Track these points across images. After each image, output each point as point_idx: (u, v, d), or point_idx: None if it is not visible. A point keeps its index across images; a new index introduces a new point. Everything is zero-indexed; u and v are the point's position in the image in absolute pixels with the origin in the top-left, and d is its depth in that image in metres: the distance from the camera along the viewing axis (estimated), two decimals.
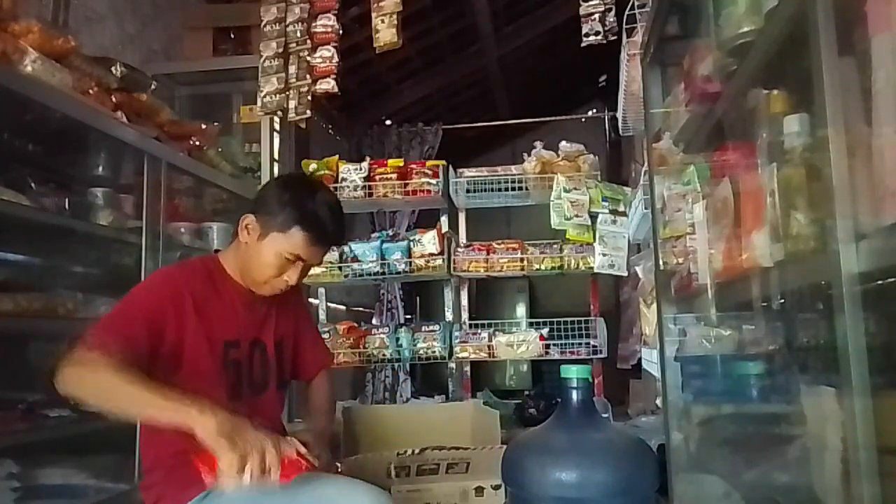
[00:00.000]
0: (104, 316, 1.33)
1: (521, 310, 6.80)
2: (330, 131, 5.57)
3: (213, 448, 1.10)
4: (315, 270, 2.92)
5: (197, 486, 1.29)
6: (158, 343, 1.33)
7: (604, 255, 2.78)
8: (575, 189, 2.82)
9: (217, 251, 1.61)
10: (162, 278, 1.44)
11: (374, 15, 2.78)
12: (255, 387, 1.50)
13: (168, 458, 1.37)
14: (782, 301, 1.10)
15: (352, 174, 2.97)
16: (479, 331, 2.96)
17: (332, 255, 2.94)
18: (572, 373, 1.15)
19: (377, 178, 2.99)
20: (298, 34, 2.87)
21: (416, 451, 1.72)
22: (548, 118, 6.06)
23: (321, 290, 3.29)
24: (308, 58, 2.87)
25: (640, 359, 3.38)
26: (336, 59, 2.86)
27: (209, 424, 1.10)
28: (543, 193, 2.94)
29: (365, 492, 1.32)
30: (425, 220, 4.41)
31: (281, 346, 1.59)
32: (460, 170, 3.18)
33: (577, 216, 2.78)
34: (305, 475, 1.29)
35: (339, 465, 1.41)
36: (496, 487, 1.76)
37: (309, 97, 2.87)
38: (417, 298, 6.49)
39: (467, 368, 3.19)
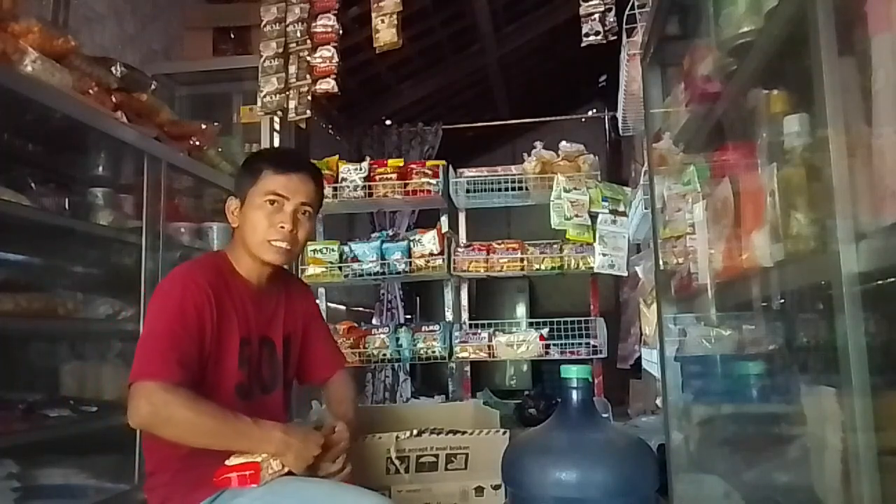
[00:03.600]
0: (148, 335, 1.31)
1: (521, 310, 6.79)
2: (330, 131, 5.56)
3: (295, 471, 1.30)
4: (315, 270, 2.92)
5: (205, 488, 1.29)
6: (204, 348, 1.35)
7: (604, 255, 2.78)
8: (575, 189, 2.82)
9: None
10: (184, 280, 1.38)
11: (374, 15, 2.78)
12: (264, 386, 1.50)
13: (174, 460, 1.36)
14: (782, 301, 1.10)
15: (352, 174, 2.97)
16: (479, 331, 2.96)
17: (333, 255, 2.94)
18: (572, 373, 1.15)
19: (377, 178, 2.99)
20: (298, 34, 2.87)
21: (415, 432, 1.76)
22: (548, 118, 6.06)
23: (321, 290, 3.28)
24: (308, 58, 2.87)
25: (639, 359, 3.38)
26: (336, 59, 2.86)
27: (290, 458, 1.29)
28: (543, 193, 2.94)
29: (370, 499, 1.30)
30: (425, 220, 4.41)
31: (288, 345, 1.58)
32: (460, 170, 3.18)
33: (577, 216, 2.78)
34: (309, 482, 1.32)
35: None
36: (496, 487, 1.76)
37: (309, 97, 2.87)
38: (417, 298, 6.49)
39: (467, 368, 3.19)
